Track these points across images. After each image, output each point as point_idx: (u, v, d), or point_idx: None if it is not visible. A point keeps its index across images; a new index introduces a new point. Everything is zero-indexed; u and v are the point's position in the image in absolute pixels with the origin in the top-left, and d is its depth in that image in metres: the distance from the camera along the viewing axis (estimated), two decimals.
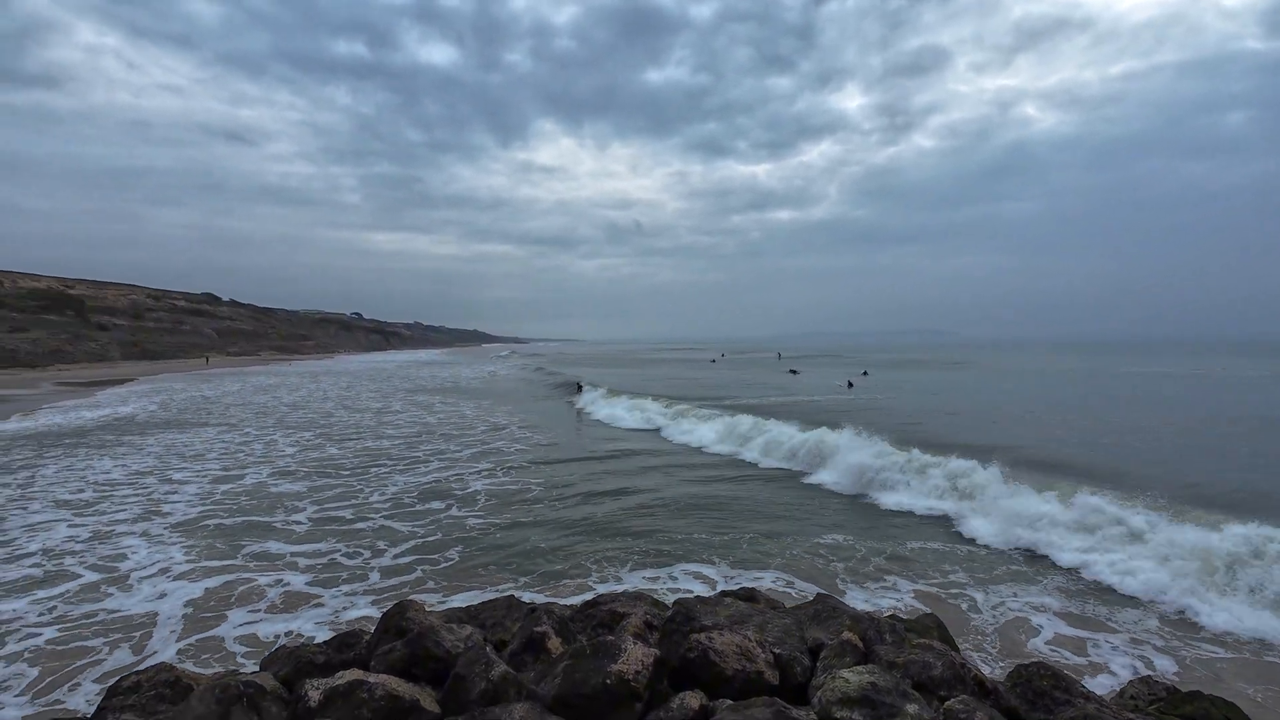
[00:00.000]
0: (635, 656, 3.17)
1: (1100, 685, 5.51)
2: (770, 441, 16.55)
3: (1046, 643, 6.53)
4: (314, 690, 3.08)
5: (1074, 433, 19.26)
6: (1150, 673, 5.78)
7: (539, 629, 3.68)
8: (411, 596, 7.39)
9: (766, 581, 8.09)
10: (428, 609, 4.12)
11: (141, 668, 3.70)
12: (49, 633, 6.64)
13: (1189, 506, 9.76)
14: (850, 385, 38.07)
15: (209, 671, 5.51)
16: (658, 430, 21.72)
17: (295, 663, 3.64)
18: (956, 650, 3.97)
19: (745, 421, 19.40)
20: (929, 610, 7.07)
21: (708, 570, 8.51)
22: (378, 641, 3.69)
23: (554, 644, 3.61)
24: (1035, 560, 8.92)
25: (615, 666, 3.10)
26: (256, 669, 3.92)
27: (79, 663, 6.05)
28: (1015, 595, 7.71)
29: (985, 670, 5.63)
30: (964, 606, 7.39)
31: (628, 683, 3.06)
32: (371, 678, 3.13)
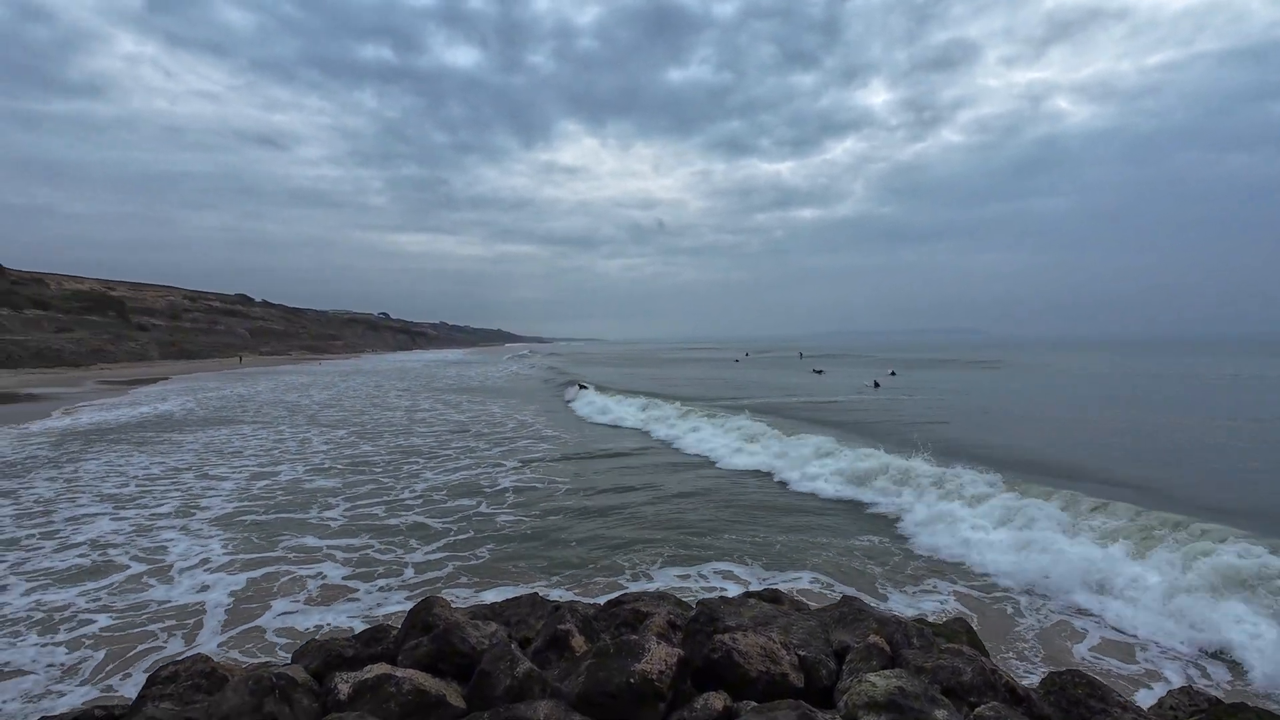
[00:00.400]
0: (659, 656, 3.16)
1: (1150, 696, 5.33)
2: (791, 445, 16.39)
3: (1091, 649, 6.33)
4: (344, 683, 3.15)
5: (1108, 436, 18.71)
6: (1201, 682, 5.58)
7: (563, 627, 3.70)
8: (443, 592, 7.51)
9: (803, 582, 8.00)
10: (454, 605, 4.17)
11: (182, 657, 3.83)
12: (102, 620, 6.90)
13: (1236, 520, 9.39)
14: (877, 385, 37.52)
15: (251, 661, 5.68)
16: (676, 432, 21.63)
17: (325, 656, 3.71)
18: (987, 655, 3.89)
19: (767, 425, 19.23)
20: (972, 613, 6.94)
21: (739, 570, 8.45)
22: (405, 637, 3.75)
23: (578, 642, 3.63)
24: None
25: (639, 666, 3.10)
26: (289, 660, 4.01)
27: (140, 647, 6.30)
28: (1059, 600, 7.52)
29: (1028, 677, 5.50)
30: (1008, 610, 7.24)
31: (651, 682, 3.06)
32: (399, 672, 3.18)
